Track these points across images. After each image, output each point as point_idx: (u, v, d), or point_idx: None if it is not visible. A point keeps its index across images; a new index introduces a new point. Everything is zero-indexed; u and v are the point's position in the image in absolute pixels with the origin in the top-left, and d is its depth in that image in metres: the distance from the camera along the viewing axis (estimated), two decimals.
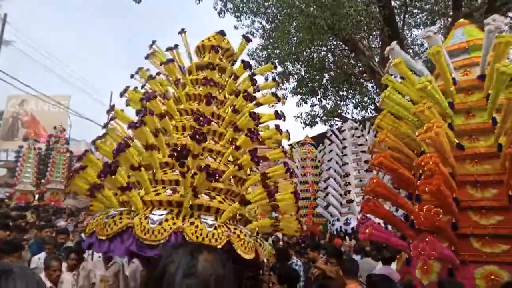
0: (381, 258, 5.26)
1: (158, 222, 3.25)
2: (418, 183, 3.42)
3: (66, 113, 27.52)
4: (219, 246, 3.22)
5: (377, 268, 5.13)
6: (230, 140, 4.14)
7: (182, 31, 5.07)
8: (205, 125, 3.83)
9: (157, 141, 3.76)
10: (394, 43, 4.58)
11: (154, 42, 5.02)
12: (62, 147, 18.89)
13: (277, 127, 4.58)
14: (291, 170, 4.25)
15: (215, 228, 3.32)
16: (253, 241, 3.60)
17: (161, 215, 3.34)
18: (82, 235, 6.67)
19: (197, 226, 3.27)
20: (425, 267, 3.57)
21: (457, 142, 3.79)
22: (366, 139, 9.99)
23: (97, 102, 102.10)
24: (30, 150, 18.25)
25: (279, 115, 4.61)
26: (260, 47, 16.76)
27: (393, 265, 4.89)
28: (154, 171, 3.78)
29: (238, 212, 3.73)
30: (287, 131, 4.76)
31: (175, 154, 3.38)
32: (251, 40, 5.23)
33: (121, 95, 4.61)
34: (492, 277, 3.16)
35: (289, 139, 5.12)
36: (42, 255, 5.39)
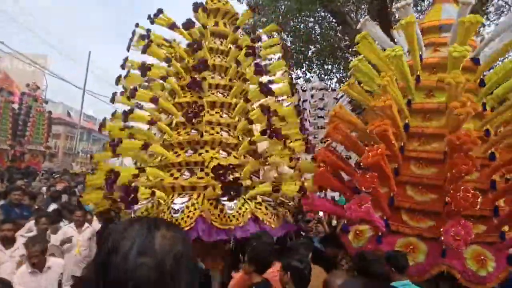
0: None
1: (181, 211, 3.49)
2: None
3: (43, 73, 26.34)
4: (241, 224, 3.46)
5: None
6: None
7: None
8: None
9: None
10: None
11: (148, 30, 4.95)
12: (41, 106, 17.50)
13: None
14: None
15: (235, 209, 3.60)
16: (277, 210, 4.01)
17: (182, 203, 3.54)
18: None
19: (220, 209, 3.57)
20: (357, 232, 3.81)
21: (406, 122, 3.82)
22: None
23: (75, 64, 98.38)
24: (6, 104, 16.18)
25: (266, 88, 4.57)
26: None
27: None
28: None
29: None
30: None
31: (188, 114, 3.59)
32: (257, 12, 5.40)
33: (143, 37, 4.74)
34: (411, 247, 3.37)
35: None
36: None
